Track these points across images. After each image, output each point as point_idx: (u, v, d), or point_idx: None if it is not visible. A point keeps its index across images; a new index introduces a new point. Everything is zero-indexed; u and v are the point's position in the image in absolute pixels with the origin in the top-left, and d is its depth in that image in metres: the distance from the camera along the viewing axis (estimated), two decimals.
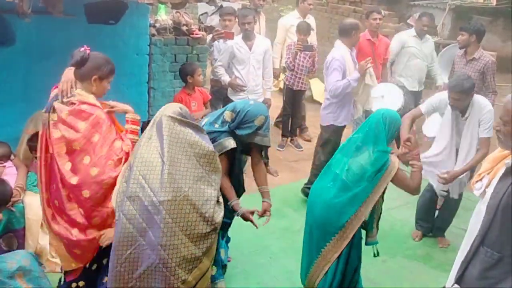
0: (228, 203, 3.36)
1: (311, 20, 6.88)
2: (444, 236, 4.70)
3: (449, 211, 4.58)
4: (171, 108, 2.75)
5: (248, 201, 5.05)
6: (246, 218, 3.41)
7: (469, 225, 2.73)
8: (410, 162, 3.22)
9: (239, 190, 3.71)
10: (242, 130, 3.36)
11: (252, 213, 3.40)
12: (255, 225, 3.37)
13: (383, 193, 3.21)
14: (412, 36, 6.37)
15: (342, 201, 3.17)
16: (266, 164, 5.92)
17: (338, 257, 3.24)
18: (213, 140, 3.31)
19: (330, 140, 5.08)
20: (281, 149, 6.71)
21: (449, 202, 4.55)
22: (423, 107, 4.36)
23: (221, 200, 2.82)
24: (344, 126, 5.15)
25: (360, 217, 3.15)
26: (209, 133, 3.36)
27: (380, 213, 3.31)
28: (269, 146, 3.57)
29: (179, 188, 2.56)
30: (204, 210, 2.63)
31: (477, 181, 2.79)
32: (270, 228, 4.72)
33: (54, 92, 2.92)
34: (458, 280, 2.60)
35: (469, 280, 2.52)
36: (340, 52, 4.81)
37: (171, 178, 2.56)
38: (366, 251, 3.44)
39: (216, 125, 3.41)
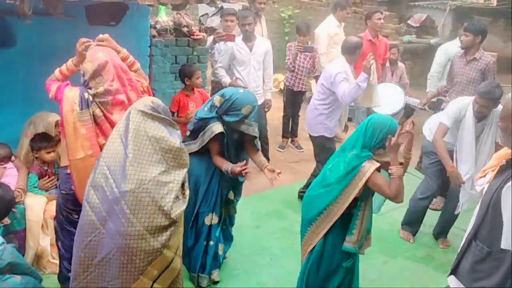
0: (223, 170, 3.51)
1: (341, 28, 6.84)
2: (446, 237, 4.71)
3: (451, 213, 4.57)
4: (143, 102, 2.79)
5: (248, 202, 5.09)
6: (234, 172, 3.47)
7: (469, 225, 2.75)
8: (389, 171, 3.05)
9: (237, 180, 3.76)
10: (229, 117, 3.47)
11: (240, 171, 3.43)
12: (244, 175, 3.47)
13: (368, 204, 3.17)
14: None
15: (315, 195, 3.27)
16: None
17: (312, 251, 3.31)
18: (204, 126, 3.50)
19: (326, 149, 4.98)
20: (282, 150, 6.72)
21: (450, 204, 4.54)
22: (447, 121, 4.23)
23: (186, 193, 2.83)
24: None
25: (331, 216, 3.17)
26: (200, 119, 3.55)
27: (367, 225, 3.24)
28: (256, 136, 3.62)
29: (139, 180, 2.62)
30: (163, 203, 2.65)
31: (480, 177, 2.80)
32: (271, 229, 4.74)
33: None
34: (453, 271, 2.66)
35: (462, 272, 2.60)
36: (343, 67, 4.73)
37: (132, 171, 2.62)
38: (366, 252, 3.43)
39: (205, 109, 3.55)
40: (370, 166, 3.03)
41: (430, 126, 4.57)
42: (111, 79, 3.03)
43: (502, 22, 10.93)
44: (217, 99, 3.54)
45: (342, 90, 4.62)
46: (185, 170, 2.80)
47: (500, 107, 4.04)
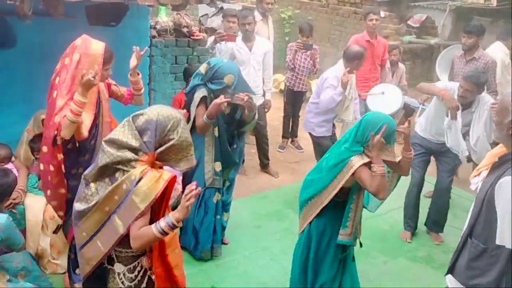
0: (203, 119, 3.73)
1: None
2: (441, 231, 4.76)
3: (442, 201, 4.66)
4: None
5: (248, 202, 5.10)
6: (215, 107, 3.64)
7: (465, 223, 2.76)
8: (372, 168, 3.06)
9: (229, 162, 4.04)
10: (213, 85, 3.75)
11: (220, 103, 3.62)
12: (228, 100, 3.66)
13: (358, 195, 3.23)
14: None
15: (311, 180, 3.41)
16: (267, 166, 5.97)
17: (300, 234, 3.46)
18: (192, 94, 3.84)
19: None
20: (282, 150, 6.72)
21: (439, 193, 4.65)
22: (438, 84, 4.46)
23: None
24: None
25: (319, 202, 3.28)
26: (189, 91, 3.90)
27: (360, 217, 3.32)
28: (238, 105, 3.81)
29: None
30: None
31: (475, 176, 2.82)
32: (271, 229, 4.75)
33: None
34: (450, 270, 2.67)
35: (459, 270, 2.61)
36: (336, 73, 4.77)
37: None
38: (366, 252, 3.44)
39: (195, 79, 3.85)
40: (358, 160, 3.11)
41: (420, 119, 4.72)
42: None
43: (503, 23, 10.90)
44: (203, 66, 3.83)
45: (323, 96, 4.78)
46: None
47: (485, 95, 4.19)
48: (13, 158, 3.88)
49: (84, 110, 3.00)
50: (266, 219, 4.90)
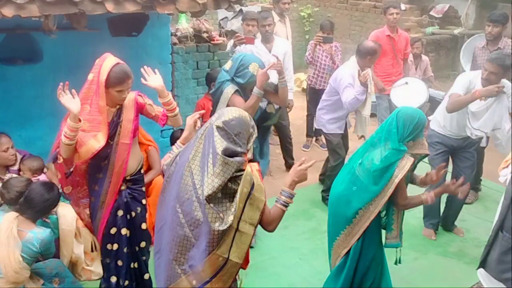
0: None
1: None
2: (456, 226, 4.70)
3: (455, 206, 4.59)
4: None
5: (302, 194, 5.08)
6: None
7: (495, 217, 2.72)
8: (422, 196, 3.14)
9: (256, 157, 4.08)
10: (239, 78, 3.84)
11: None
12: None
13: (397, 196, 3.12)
14: None
15: (350, 194, 3.15)
16: (292, 165, 5.97)
17: (348, 253, 3.21)
18: (220, 93, 3.84)
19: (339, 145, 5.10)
20: (307, 150, 6.71)
21: (454, 198, 4.48)
22: (458, 91, 4.16)
23: None
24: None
25: (369, 214, 3.08)
26: (218, 86, 3.93)
27: (403, 215, 3.24)
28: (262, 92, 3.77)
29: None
30: None
31: (503, 168, 2.78)
32: (299, 229, 4.76)
33: None
34: (482, 264, 2.65)
35: (490, 264, 2.59)
36: (350, 70, 4.77)
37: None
38: (394, 251, 3.41)
39: (221, 76, 3.97)
40: (406, 162, 3.01)
41: (436, 115, 4.55)
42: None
43: None
44: (227, 64, 3.96)
45: (345, 97, 4.73)
46: (219, 182, 2.48)
47: (506, 82, 4.04)
48: (45, 170, 3.99)
49: (92, 130, 2.95)
50: (293, 219, 4.91)
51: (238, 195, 2.30)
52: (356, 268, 3.22)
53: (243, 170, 2.33)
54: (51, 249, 3.24)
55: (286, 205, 2.52)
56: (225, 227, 2.28)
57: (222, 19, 7.54)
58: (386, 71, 6.07)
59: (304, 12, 10.61)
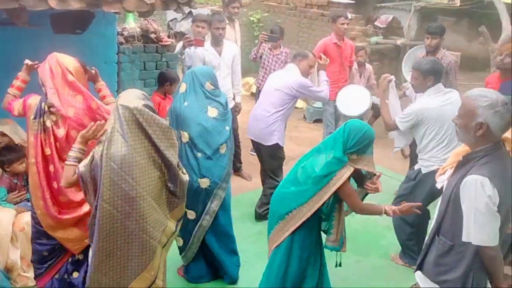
0: None
1: None
2: None
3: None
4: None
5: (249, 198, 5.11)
6: None
7: (432, 221, 2.84)
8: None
9: None
10: None
11: None
12: None
13: (341, 202, 3.24)
14: None
15: (287, 192, 3.31)
16: (240, 169, 5.99)
17: (278, 249, 3.34)
18: None
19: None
20: (254, 154, 6.72)
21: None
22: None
23: (184, 171, 2.94)
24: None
25: (302, 215, 3.19)
26: None
27: (344, 221, 3.32)
28: None
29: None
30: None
31: (440, 175, 2.91)
32: (245, 232, 4.76)
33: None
34: (419, 266, 2.74)
35: (427, 267, 2.69)
36: (299, 75, 4.81)
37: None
38: (335, 254, 3.47)
39: None
40: (345, 171, 3.08)
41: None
42: (48, 82, 3.06)
43: (466, 22, 11.23)
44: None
45: (314, 93, 4.88)
46: (176, 149, 2.86)
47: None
48: None
49: None
50: (239, 222, 4.90)
51: None
52: (288, 267, 3.32)
53: None
54: None
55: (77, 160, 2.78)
56: None
57: (171, 20, 7.46)
58: (334, 77, 6.20)
59: (254, 17, 10.68)
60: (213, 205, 3.74)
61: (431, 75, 3.96)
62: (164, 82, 4.94)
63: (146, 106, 2.71)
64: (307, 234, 3.28)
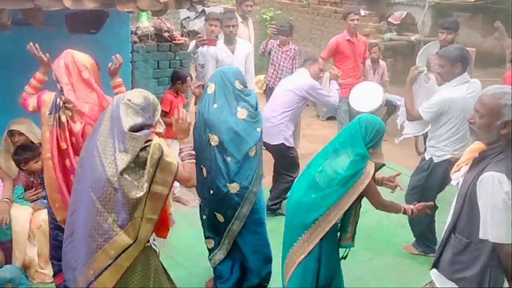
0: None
1: None
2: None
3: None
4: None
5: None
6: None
7: (448, 218, 2.82)
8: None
9: None
10: None
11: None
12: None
13: (360, 199, 3.13)
14: None
15: (309, 201, 3.11)
16: None
17: (305, 260, 3.14)
18: None
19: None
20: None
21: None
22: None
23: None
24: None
25: (329, 220, 3.05)
26: None
27: (358, 218, 3.25)
28: None
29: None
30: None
31: (455, 171, 2.88)
32: None
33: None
34: (435, 265, 2.73)
35: (443, 264, 2.67)
36: (310, 78, 4.91)
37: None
38: (351, 250, 3.42)
39: None
40: (370, 168, 3.01)
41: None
42: (64, 78, 3.14)
43: (481, 18, 11.09)
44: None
45: (323, 97, 4.96)
46: (130, 156, 2.59)
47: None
48: None
49: None
50: None
51: (148, 162, 2.51)
52: (319, 274, 3.17)
53: (151, 140, 2.55)
54: None
55: (192, 158, 2.79)
56: (141, 194, 2.50)
57: (184, 19, 7.50)
58: (347, 74, 6.18)
59: (267, 15, 10.67)
60: (244, 210, 3.52)
61: (459, 61, 3.89)
62: (176, 81, 4.98)
63: (140, 125, 2.56)
64: (334, 236, 3.18)
